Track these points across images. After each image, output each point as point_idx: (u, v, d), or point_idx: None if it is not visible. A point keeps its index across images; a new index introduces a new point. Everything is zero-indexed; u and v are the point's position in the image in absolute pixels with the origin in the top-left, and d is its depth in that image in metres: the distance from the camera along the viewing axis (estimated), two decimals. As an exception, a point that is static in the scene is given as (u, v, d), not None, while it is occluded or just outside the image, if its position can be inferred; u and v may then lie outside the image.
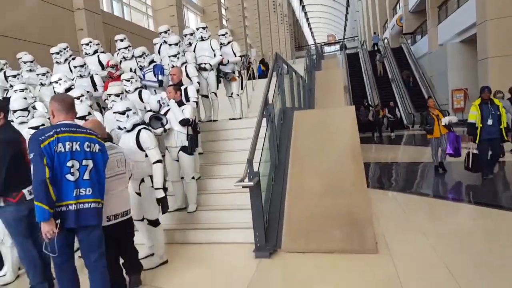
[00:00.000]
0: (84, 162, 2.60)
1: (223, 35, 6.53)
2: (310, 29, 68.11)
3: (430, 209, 5.34)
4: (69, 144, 2.54)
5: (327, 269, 3.46)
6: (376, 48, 25.36)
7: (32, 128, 3.59)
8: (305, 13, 61.39)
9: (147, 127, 3.86)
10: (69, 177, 2.52)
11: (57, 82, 5.21)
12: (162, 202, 3.77)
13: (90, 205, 2.59)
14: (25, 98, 4.79)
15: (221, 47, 6.43)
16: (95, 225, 2.68)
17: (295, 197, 4.35)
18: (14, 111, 4.19)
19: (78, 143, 2.59)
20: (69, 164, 2.53)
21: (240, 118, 6.62)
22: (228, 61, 6.33)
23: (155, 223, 3.82)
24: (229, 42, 6.51)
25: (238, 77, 6.82)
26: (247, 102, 8.67)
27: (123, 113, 3.74)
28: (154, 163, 3.70)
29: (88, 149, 2.63)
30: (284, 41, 39.73)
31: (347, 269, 3.43)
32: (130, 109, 3.76)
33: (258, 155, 4.23)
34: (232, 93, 6.64)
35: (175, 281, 3.52)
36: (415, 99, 18.41)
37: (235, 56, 6.45)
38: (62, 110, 2.67)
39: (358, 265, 3.48)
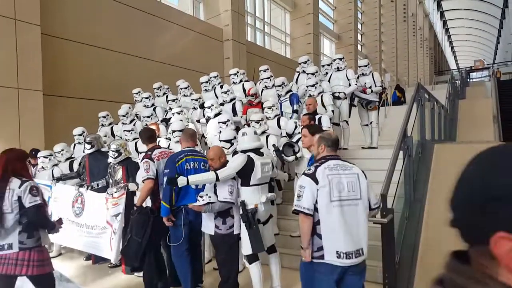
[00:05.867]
0: None
1: (366, 66, 6.61)
2: (454, 53, 62.39)
3: None
4: (193, 164, 3.58)
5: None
6: None
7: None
8: (449, 36, 56.63)
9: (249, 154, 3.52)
10: (193, 186, 3.51)
11: (209, 108, 5.86)
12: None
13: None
14: (181, 120, 5.56)
15: (358, 76, 6.47)
16: None
17: (432, 240, 3.99)
18: (173, 131, 4.89)
19: (197, 162, 3.63)
20: None
21: (376, 148, 6.50)
22: (371, 90, 6.37)
23: (250, 258, 3.44)
24: (370, 72, 6.56)
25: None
26: (378, 130, 8.37)
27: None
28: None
29: (203, 168, 3.62)
30: (422, 65, 37.25)
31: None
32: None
33: (392, 189, 4.03)
34: (371, 122, 6.59)
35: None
36: None
37: (375, 86, 6.44)
38: (186, 139, 3.80)
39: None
